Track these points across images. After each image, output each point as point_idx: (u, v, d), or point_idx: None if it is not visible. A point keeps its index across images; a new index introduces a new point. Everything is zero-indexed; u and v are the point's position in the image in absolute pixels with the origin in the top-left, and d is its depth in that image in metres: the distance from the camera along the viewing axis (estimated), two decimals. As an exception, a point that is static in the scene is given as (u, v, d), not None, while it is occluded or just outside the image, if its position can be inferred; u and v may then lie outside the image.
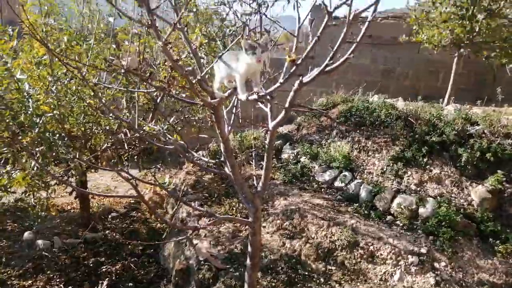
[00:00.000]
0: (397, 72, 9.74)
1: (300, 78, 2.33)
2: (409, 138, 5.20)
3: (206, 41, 4.51)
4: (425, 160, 4.99)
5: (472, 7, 6.24)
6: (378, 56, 9.44)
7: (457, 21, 6.51)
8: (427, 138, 5.09)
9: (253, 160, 5.20)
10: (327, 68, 2.31)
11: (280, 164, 5.76)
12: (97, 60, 4.31)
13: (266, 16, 4.42)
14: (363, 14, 2.23)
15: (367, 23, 2.53)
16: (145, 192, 7.40)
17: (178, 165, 8.43)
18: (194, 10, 4.49)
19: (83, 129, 4.35)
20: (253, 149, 6.04)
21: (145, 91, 2.36)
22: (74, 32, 4.66)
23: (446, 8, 6.70)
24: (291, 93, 2.52)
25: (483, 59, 7.03)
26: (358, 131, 5.64)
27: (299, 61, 2.00)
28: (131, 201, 7.35)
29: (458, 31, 6.56)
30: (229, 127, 2.96)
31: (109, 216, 6.41)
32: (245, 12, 4.58)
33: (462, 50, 6.97)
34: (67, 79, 3.78)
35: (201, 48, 4.40)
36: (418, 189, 4.75)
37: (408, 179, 4.90)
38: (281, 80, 2.09)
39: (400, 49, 8.78)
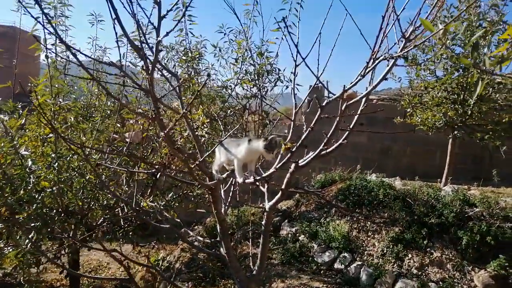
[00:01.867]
0: (394, 150, 9.92)
1: (296, 161, 2.41)
2: (408, 219, 5.15)
3: (208, 120, 4.69)
4: (425, 242, 4.89)
5: (462, 93, 6.53)
6: (374, 135, 9.69)
7: (450, 104, 6.76)
8: (426, 219, 5.04)
9: (250, 239, 5.07)
10: (322, 153, 2.39)
11: (278, 243, 5.63)
12: (101, 137, 4.45)
13: (265, 99, 4.68)
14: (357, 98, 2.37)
15: (357, 114, 2.68)
16: (138, 269, 7.14)
17: (173, 240, 8.23)
18: (197, 93, 4.73)
19: (80, 204, 4.34)
20: (251, 226, 5.95)
21: (145, 171, 2.41)
22: (81, 109, 4.87)
23: (438, 92, 7.02)
24: (288, 175, 2.57)
25: (477, 141, 7.21)
26: (357, 210, 5.60)
27: (293, 149, 2.07)
28: (123, 278, 7.06)
29: (451, 114, 6.79)
30: (226, 207, 2.97)
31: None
32: (246, 95, 4.83)
33: (456, 132, 7.15)
34: (70, 155, 3.86)
35: (203, 127, 4.56)
36: (420, 273, 4.59)
37: (409, 262, 4.75)
38: (276, 166, 2.15)
39: (396, 128, 9.05)
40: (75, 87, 5.46)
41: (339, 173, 6.83)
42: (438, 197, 5.40)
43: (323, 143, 2.32)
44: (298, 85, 4.83)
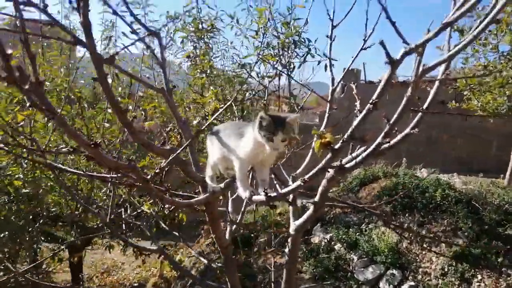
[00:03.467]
0: (444, 141, 8.71)
1: (340, 162, 1.44)
2: (475, 229, 4.08)
3: (222, 105, 3.82)
4: (499, 260, 3.86)
5: (534, 69, 5.37)
6: (421, 122, 8.51)
7: (516, 85, 5.63)
8: (500, 230, 3.97)
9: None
10: (382, 147, 1.42)
11: (309, 252, 4.69)
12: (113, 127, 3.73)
13: (292, 78, 3.72)
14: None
15: (436, 85, 1.74)
16: (152, 273, 6.52)
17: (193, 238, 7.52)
18: (208, 71, 3.84)
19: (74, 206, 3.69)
20: (273, 229, 5.11)
21: (102, 176, 1.57)
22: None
23: (501, 71, 5.86)
24: (323, 182, 1.62)
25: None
26: (407, 215, 4.56)
27: (337, 145, 1.14)
28: (135, 284, 6.45)
29: (517, 97, 5.66)
30: (232, 227, 2.05)
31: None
32: (268, 74, 3.88)
33: (523, 118, 6.00)
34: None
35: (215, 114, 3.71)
36: (495, 301, 3.55)
37: (479, 285, 3.71)
38: (306, 177, 1.20)
39: (446, 115, 7.87)
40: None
41: (382, 168, 5.77)
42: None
43: (383, 133, 1.36)
44: (333, 59, 3.84)
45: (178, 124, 1.71)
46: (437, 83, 1.67)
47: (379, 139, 1.38)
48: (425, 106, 1.65)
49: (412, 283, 3.88)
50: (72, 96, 3.89)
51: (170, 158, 1.24)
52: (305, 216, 1.78)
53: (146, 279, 6.48)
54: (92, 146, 0.87)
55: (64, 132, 3.18)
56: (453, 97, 7.07)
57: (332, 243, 4.74)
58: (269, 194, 1.24)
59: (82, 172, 1.76)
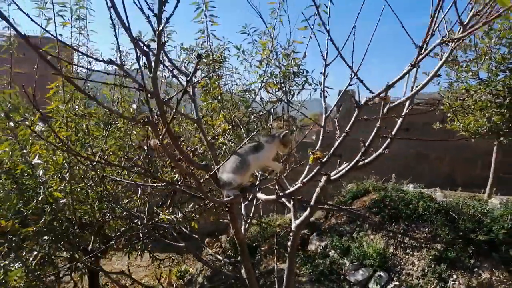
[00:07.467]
0: (432, 158, 9.29)
1: (328, 174, 2.04)
2: (452, 235, 4.62)
3: (230, 127, 4.38)
4: (472, 262, 4.36)
5: (509, 96, 5.94)
6: (410, 142, 9.09)
7: (495, 109, 6.16)
8: (473, 236, 4.51)
9: (275, 254, 4.71)
10: (359, 164, 2.02)
11: (306, 258, 5.21)
12: (113, 145, 4.21)
13: (291, 104, 4.32)
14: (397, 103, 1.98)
15: (401, 117, 2.28)
16: (162, 280, 6.92)
17: (196, 250, 7.95)
18: (219, 97, 4.43)
19: (98, 214, 4.13)
20: (276, 239, 5.59)
21: (154, 185, 2.12)
22: (104, 116, 4.71)
23: (481, 96, 6.43)
24: (317, 190, 2.20)
25: (526, 148, 6.55)
26: (393, 224, 5.12)
27: (324, 159, 1.71)
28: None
29: (496, 119, 6.19)
30: (247, 224, 2.63)
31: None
32: (270, 100, 4.49)
33: (501, 138, 6.52)
34: (84, 165, 3.64)
35: (224, 134, 4.26)
36: (467, 297, 4.07)
37: (454, 283, 4.23)
38: (304, 180, 1.78)
39: (434, 134, 8.44)
40: (97, 94, 5.31)
41: (372, 183, 6.34)
42: (485, 210, 4.85)
43: (360, 153, 1.95)
44: (327, 87, 4.44)
45: (207, 144, 2.29)
46: (401, 117, 2.25)
47: (357, 157, 1.98)
48: (393, 132, 2.22)
49: (397, 283, 4.39)
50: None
51: (212, 172, 1.82)
52: (302, 217, 2.34)
53: (155, 286, 6.91)
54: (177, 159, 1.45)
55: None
56: (440, 119, 7.66)
57: (327, 250, 5.26)
58: (278, 194, 1.82)
59: (133, 182, 2.33)
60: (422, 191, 5.59)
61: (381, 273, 4.55)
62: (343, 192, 6.77)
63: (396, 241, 4.89)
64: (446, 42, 1.33)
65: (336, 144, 1.76)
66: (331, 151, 1.75)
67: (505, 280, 4.20)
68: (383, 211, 5.35)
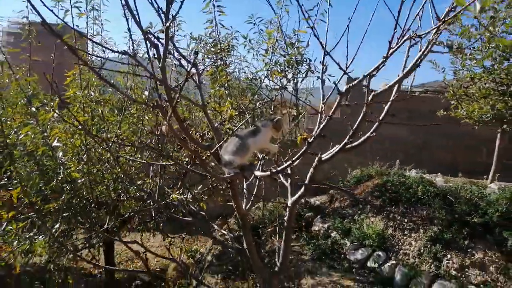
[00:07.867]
0: (436, 145, 9.39)
1: (319, 155, 2.27)
2: (448, 218, 4.82)
3: (237, 113, 4.61)
4: (466, 243, 4.55)
5: (512, 84, 6.01)
6: (416, 128, 9.21)
7: (498, 96, 6.24)
8: (468, 218, 4.69)
9: (277, 234, 4.97)
10: (347, 146, 2.23)
11: (309, 238, 5.47)
12: (127, 130, 4.48)
13: (294, 90, 4.53)
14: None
15: (388, 103, 2.47)
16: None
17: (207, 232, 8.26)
18: (225, 85, 4.65)
19: (113, 194, 4.42)
20: (279, 220, 5.85)
21: (167, 163, 2.37)
22: (117, 102, 4.97)
23: (485, 83, 6.50)
24: (311, 170, 2.43)
25: (529, 135, 6.63)
26: (393, 207, 5.33)
27: (310, 139, 1.93)
28: (157, 269, 7.22)
29: (499, 107, 6.27)
30: (249, 202, 2.88)
31: (133, 284, 6.29)
32: (274, 87, 4.70)
33: (505, 126, 6.60)
34: (100, 147, 3.92)
35: (232, 120, 4.50)
36: (459, 274, 4.27)
37: (448, 263, 4.44)
38: (294, 158, 2.01)
39: (439, 122, 8.52)
40: (112, 81, 5.58)
41: (376, 168, 6.53)
42: (482, 195, 5.02)
43: (347, 136, 2.16)
44: (330, 75, 4.63)
45: (212, 129, 2.54)
46: (389, 100, 2.44)
47: (345, 140, 2.20)
48: (381, 117, 2.42)
49: (394, 262, 4.62)
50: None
51: (213, 150, 2.07)
52: (298, 194, 2.59)
53: (167, 265, 7.27)
54: (182, 122, 1.69)
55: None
56: (445, 106, 7.75)
57: (329, 231, 5.51)
58: (272, 170, 2.06)
59: (146, 162, 2.60)
60: (422, 176, 5.77)
61: (380, 253, 4.78)
62: (348, 177, 6.98)
63: (395, 223, 5.11)
64: (413, 37, 1.52)
65: (321, 126, 1.97)
66: (315, 132, 1.97)
67: (497, 260, 4.39)
68: (384, 195, 5.56)
